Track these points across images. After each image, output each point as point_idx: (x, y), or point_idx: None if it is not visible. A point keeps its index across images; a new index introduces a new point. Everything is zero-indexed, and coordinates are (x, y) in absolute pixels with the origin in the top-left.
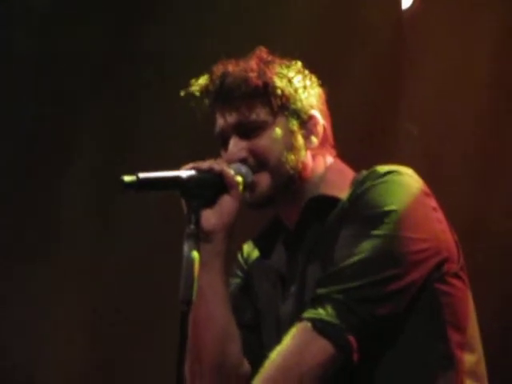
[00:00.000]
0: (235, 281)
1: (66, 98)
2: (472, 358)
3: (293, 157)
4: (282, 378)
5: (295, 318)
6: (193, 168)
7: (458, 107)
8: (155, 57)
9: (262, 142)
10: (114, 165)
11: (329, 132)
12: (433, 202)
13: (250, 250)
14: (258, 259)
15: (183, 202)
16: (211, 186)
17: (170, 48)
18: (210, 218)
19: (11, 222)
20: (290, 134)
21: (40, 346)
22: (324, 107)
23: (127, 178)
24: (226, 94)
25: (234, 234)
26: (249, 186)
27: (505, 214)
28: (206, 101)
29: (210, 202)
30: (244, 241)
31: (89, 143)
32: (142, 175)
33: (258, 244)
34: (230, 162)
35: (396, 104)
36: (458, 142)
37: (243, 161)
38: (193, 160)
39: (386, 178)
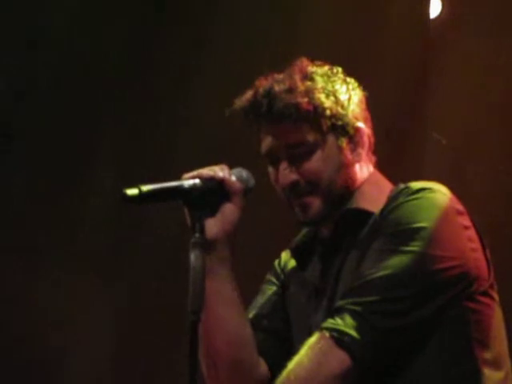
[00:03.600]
0: (270, 287)
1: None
2: (498, 375)
3: (343, 175)
4: None
5: None
6: (194, 176)
7: (485, 115)
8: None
9: (313, 164)
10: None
11: (371, 138)
12: (465, 221)
13: (287, 259)
14: (294, 269)
15: (186, 211)
16: (213, 194)
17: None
18: (212, 226)
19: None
20: (339, 151)
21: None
22: (366, 113)
23: (129, 191)
24: (276, 118)
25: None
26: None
27: None
28: (251, 118)
29: (213, 210)
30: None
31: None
32: (144, 187)
33: (294, 255)
34: (280, 185)
35: (423, 114)
36: (486, 150)
37: (295, 184)
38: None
39: (418, 195)
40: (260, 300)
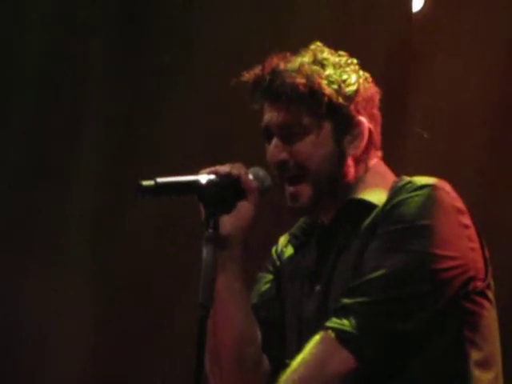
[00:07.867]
0: (266, 276)
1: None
2: (488, 376)
3: (334, 165)
4: None
5: (316, 318)
6: (211, 172)
7: (468, 109)
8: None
9: (304, 147)
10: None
11: (376, 135)
12: (466, 220)
13: (284, 245)
14: (290, 255)
15: (201, 206)
16: (229, 191)
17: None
18: (227, 223)
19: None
20: (333, 140)
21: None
22: (375, 110)
23: (145, 183)
24: (273, 96)
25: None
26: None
27: None
28: (254, 91)
29: (228, 207)
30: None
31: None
32: (159, 180)
33: (292, 240)
34: (270, 162)
35: (405, 108)
36: (469, 144)
37: (283, 163)
38: (206, 161)
39: (421, 192)
40: (257, 289)
